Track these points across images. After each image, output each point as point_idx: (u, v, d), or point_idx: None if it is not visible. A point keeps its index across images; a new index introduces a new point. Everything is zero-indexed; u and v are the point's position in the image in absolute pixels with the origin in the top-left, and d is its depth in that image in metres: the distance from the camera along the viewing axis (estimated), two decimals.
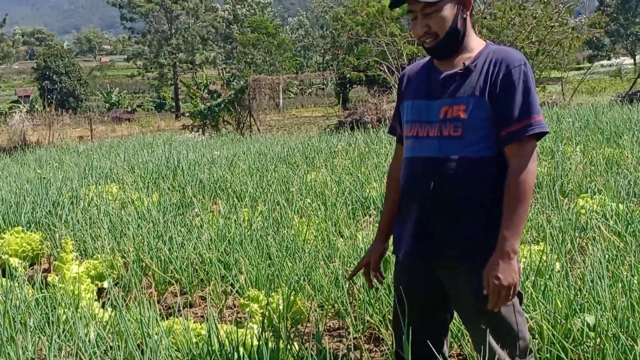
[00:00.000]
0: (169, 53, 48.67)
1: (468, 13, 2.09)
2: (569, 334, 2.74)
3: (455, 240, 2.07)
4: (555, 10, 15.12)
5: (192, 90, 23.55)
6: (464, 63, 2.07)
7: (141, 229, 4.59)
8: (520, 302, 2.13)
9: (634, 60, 52.22)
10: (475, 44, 2.13)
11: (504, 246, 1.97)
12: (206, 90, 34.92)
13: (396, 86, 19.49)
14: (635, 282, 3.02)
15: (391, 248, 2.38)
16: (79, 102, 55.82)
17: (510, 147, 2.01)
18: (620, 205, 4.60)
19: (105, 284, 3.97)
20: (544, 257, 3.41)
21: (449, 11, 2.04)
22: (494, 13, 15.55)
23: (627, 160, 6.32)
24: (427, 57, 2.26)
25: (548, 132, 2.05)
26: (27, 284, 3.69)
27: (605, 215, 4.35)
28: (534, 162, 2.01)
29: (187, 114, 23.22)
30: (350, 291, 3.65)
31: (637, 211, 4.38)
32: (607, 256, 3.45)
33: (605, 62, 49.87)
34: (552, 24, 14.63)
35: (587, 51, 51.35)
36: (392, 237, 2.34)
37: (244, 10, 56.65)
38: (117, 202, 5.77)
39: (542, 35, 14.66)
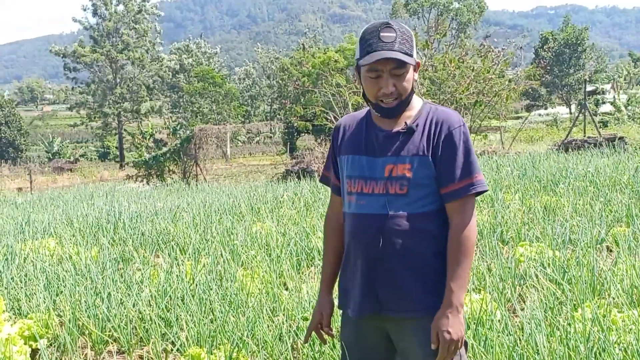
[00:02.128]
0: (114, 102, 48.14)
1: (416, 77, 2.17)
2: None
3: (403, 294, 2.09)
4: (493, 63, 15.74)
5: (137, 140, 23.32)
6: (405, 122, 2.12)
7: (78, 285, 4.44)
8: (466, 350, 2.17)
9: (570, 109, 54.55)
10: (415, 102, 2.19)
11: (452, 300, 2.03)
12: (152, 139, 34.57)
13: None
14: (572, 331, 3.09)
15: (336, 301, 2.37)
16: (19, 153, 54.33)
17: (452, 205, 2.09)
18: (557, 253, 4.73)
19: (40, 345, 3.80)
20: (485, 306, 3.46)
21: (411, 74, 2.11)
22: (434, 65, 16.07)
23: (564, 208, 6.52)
24: (364, 110, 2.28)
25: (487, 190, 2.14)
26: None
27: (543, 264, 4.46)
28: (475, 218, 2.11)
29: (132, 164, 22.89)
30: (294, 346, 3.60)
31: (573, 259, 4.51)
32: (545, 305, 3.53)
33: (542, 111, 51.87)
34: (490, 76, 15.20)
35: (524, 101, 53.41)
36: (338, 291, 2.32)
37: (190, 60, 56.82)
38: (54, 257, 5.59)
39: (481, 86, 15.20)
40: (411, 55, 2.08)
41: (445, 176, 2.08)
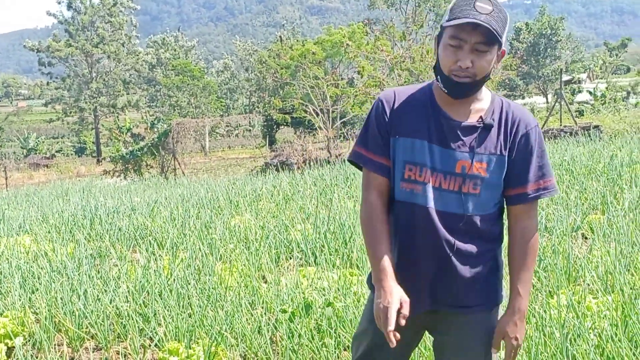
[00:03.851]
0: (90, 97, 47.60)
1: (497, 65, 1.99)
2: None
3: (463, 293, 2.03)
4: None
5: (114, 134, 23.17)
6: (481, 117, 1.98)
7: (54, 282, 4.39)
8: None
9: (546, 99, 55.05)
10: (485, 93, 2.04)
11: (520, 306, 1.99)
12: (129, 134, 34.28)
13: (322, 128, 19.77)
14: (548, 317, 3.12)
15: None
16: None
17: (520, 207, 2.00)
18: None
19: (15, 343, 3.75)
20: None
21: (492, 56, 1.92)
22: (412, 57, 16.11)
23: None
24: (418, 87, 2.08)
25: (557, 194, 2.05)
26: None
27: None
28: (537, 220, 2.06)
29: (109, 159, 22.68)
30: (273, 338, 3.60)
31: (549, 247, 4.56)
32: None
33: (519, 101, 52.30)
34: None
35: (502, 92, 53.74)
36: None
37: (167, 54, 56.34)
38: (29, 254, 5.52)
39: None
40: (501, 36, 1.89)
41: (517, 178, 1.97)
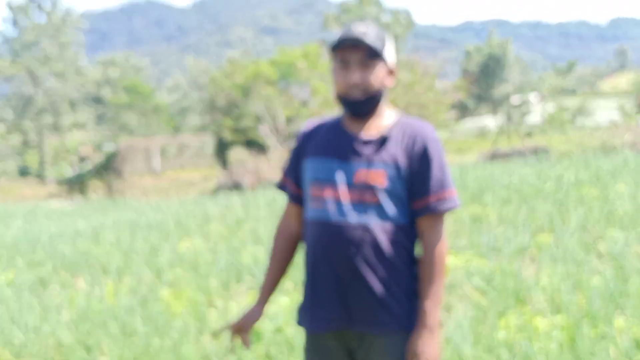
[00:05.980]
0: (34, 116, 46.40)
1: (389, 83, 2.10)
2: None
3: (375, 308, 2.01)
4: (421, 76, 16.08)
5: (60, 156, 22.63)
6: (379, 131, 2.06)
7: None
8: None
9: (497, 121, 56.28)
10: (388, 113, 2.12)
11: (426, 320, 1.97)
12: (76, 155, 33.55)
13: (277, 147, 19.72)
14: (498, 338, 3.13)
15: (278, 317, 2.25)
16: None
17: (424, 219, 2.03)
18: (483, 262, 4.81)
19: None
20: None
21: (380, 71, 2.04)
22: None
23: (490, 217, 6.67)
24: (331, 117, 2.20)
25: (458, 206, 2.07)
26: None
27: (469, 272, 4.52)
28: (446, 234, 2.05)
29: (54, 181, 22.11)
30: None
31: (498, 268, 4.60)
32: (471, 314, 3.56)
33: (470, 123, 53.31)
34: (420, 91, 15.50)
35: (453, 113, 54.64)
36: (300, 307, 2.17)
37: (117, 73, 55.48)
38: None
39: (409, 99, 15.49)
40: (381, 52, 2.02)
41: (418, 190, 2.02)
